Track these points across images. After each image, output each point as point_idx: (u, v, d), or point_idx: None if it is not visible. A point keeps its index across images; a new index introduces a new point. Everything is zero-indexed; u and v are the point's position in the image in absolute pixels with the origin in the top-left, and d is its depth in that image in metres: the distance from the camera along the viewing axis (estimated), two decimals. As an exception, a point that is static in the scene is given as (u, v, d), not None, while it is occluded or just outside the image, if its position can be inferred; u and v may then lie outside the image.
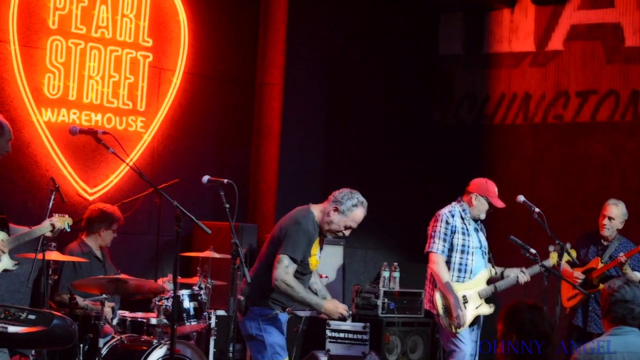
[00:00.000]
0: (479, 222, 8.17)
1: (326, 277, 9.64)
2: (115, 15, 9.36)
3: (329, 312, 6.75)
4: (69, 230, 7.33)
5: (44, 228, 7.20)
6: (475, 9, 11.90)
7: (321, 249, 6.92)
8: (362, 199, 6.78)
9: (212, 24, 10.25)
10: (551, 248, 8.23)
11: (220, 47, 10.36)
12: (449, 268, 7.97)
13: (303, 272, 6.72)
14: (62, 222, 7.27)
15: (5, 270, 7.12)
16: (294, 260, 6.59)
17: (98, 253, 8.46)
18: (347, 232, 6.81)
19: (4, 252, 7.02)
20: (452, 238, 7.98)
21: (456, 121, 11.99)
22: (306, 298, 6.67)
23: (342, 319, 6.85)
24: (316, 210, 6.78)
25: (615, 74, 10.95)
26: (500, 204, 8.08)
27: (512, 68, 11.60)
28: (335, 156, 10.91)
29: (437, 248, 7.99)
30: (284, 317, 6.82)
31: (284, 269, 6.56)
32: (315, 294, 7.02)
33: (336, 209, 6.69)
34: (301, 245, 6.62)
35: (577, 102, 11.15)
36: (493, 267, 8.18)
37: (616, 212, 9.15)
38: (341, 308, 6.77)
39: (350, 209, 6.70)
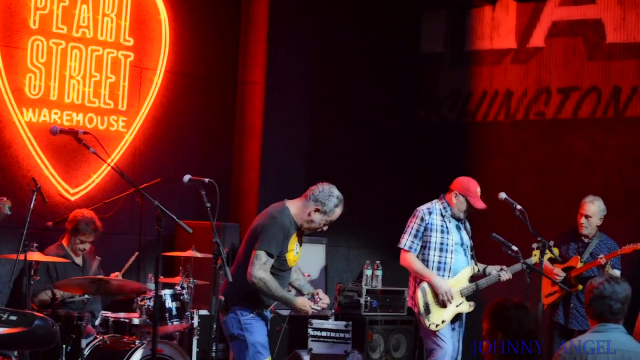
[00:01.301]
0: (463, 220, 8.16)
1: (308, 275, 9.62)
2: (96, 14, 9.33)
3: (298, 309, 6.75)
4: (9, 213, 7.24)
5: None
6: (458, 6, 11.90)
7: (300, 245, 6.91)
8: (340, 195, 6.78)
9: (193, 23, 10.24)
10: (534, 246, 8.21)
11: (202, 46, 10.34)
12: (427, 266, 7.97)
13: (281, 269, 6.71)
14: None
15: None
16: (270, 255, 6.58)
17: (74, 256, 8.41)
18: (325, 228, 6.85)
19: None
20: (427, 235, 7.98)
21: (439, 119, 12.00)
22: (282, 295, 6.66)
23: (324, 317, 6.82)
24: (292, 206, 6.76)
25: (597, 70, 10.97)
26: (480, 204, 8.00)
27: (493, 65, 11.61)
28: (317, 155, 10.90)
29: (404, 244, 8.03)
30: (266, 315, 6.81)
31: (261, 265, 6.55)
32: (300, 290, 7.03)
33: (317, 210, 6.70)
34: (277, 239, 6.60)
35: (558, 99, 11.17)
36: (476, 264, 8.16)
37: (593, 209, 9.09)
38: (307, 306, 6.74)
39: (332, 210, 6.71)
